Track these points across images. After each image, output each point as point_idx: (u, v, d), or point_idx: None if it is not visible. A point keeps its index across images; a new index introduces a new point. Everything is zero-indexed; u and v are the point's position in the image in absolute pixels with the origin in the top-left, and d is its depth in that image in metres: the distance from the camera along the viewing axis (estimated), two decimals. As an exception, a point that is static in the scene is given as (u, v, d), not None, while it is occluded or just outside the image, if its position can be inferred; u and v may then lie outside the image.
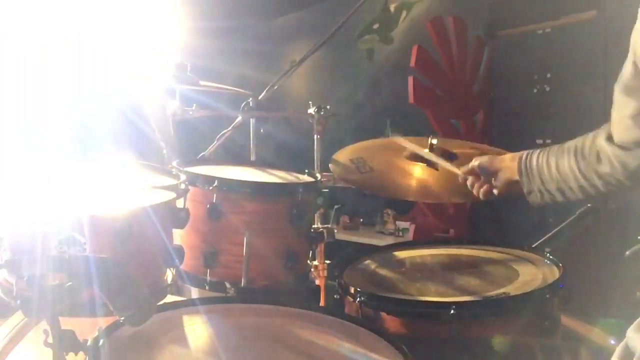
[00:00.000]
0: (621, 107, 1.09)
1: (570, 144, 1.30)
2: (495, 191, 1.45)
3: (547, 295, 1.39)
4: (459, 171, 1.55)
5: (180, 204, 1.34)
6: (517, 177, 1.35)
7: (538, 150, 1.34)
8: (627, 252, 1.96)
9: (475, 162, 1.49)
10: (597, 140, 1.20)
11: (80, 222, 1.06)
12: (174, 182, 1.37)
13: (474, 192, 1.51)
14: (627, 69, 1.07)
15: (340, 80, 5.53)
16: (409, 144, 1.76)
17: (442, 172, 1.70)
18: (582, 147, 1.25)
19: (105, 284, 0.89)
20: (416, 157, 1.76)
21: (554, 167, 1.28)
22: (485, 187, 1.48)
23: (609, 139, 1.15)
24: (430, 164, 1.73)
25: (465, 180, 1.53)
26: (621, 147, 1.12)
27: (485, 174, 1.46)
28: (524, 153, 1.36)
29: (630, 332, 1.06)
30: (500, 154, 1.82)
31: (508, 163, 1.40)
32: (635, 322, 1.06)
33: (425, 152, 1.72)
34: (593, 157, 1.20)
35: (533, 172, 1.32)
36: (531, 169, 1.32)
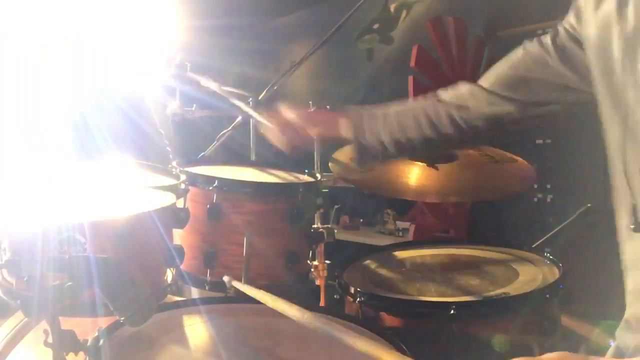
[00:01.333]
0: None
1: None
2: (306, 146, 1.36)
3: (547, 295, 1.39)
4: (266, 121, 1.43)
5: (180, 204, 1.34)
6: (337, 134, 1.30)
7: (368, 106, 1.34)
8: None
9: (290, 114, 1.35)
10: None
11: (80, 222, 1.06)
12: (174, 182, 1.37)
13: (278, 143, 1.37)
14: None
15: (340, 80, 5.53)
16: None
17: (442, 172, 1.70)
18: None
19: (105, 284, 0.89)
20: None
21: (393, 117, 1.28)
22: (295, 140, 1.34)
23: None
24: (430, 164, 1.73)
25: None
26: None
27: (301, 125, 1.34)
28: (352, 106, 1.35)
29: (619, 332, 1.06)
30: (500, 155, 1.83)
31: (328, 117, 1.35)
32: (622, 322, 1.06)
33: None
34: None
35: (364, 122, 1.29)
36: (362, 119, 1.30)
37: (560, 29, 1.15)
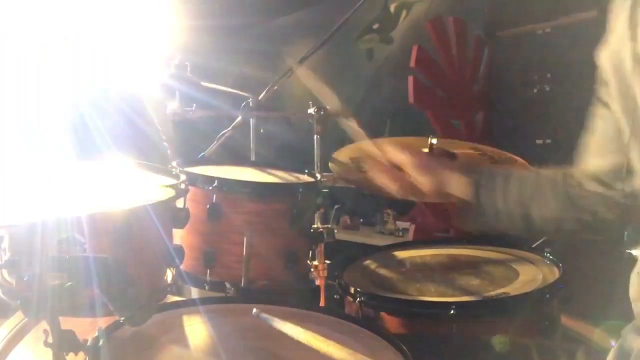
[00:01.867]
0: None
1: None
2: (398, 193, 1.21)
3: (547, 295, 1.39)
4: (379, 153, 1.27)
5: (180, 204, 1.34)
6: (451, 189, 1.16)
7: (501, 170, 1.18)
8: (628, 252, 1.95)
9: (404, 158, 1.19)
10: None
11: (80, 222, 1.06)
12: (174, 182, 1.37)
13: (387, 184, 1.23)
14: None
15: (340, 80, 5.53)
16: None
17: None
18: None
19: (105, 284, 0.89)
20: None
21: (517, 190, 1.11)
22: (403, 184, 1.20)
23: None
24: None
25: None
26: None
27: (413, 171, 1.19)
28: (483, 169, 1.19)
29: (626, 333, 1.06)
30: (500, 155, 1.83)
31: (451, 173, 1.18)
32: (632, 323, 1.06)
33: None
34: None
35: (495, 190, 1.11)
36: (491, 187, 1.12)
37: None
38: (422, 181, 1.18)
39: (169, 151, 2.67)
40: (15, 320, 1.38)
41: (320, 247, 1.70)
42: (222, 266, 1.47)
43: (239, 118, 1.99)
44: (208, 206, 1.45)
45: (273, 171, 1.76)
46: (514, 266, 1.62)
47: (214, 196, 1.45)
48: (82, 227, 1.09)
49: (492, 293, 1.43)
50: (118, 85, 2.72)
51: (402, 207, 4.48)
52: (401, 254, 1.81)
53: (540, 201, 1.10)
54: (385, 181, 1.22)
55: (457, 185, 1.16)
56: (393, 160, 1.22)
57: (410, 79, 3.59)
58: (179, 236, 1.46)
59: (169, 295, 1.35)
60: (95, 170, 1.45)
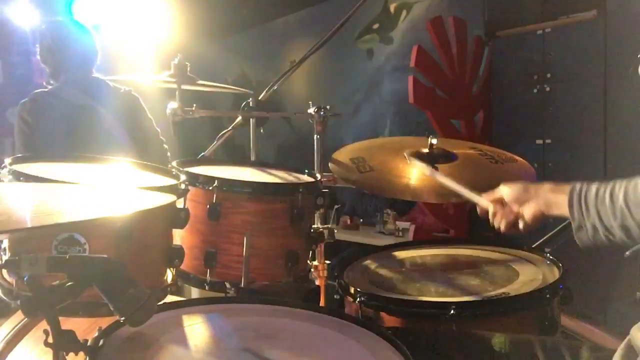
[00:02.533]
0: None
1: None
2: (520, 224, 1.26)
3: (547, 295, 1.39)
4: (483, 201, 1.36)
5: (180, 204, 1.34)
6: (555, 211, 1.18)
7: (596, 183, 1.15)
8: (627, 252, 1.95)
9: (504, 190, 1.30)
10: None
11: (80, 222, 1.06)
12: (174, 182, 1.37)
13: (495, 222, 1.31)
14: None
15: (340, 80, 5.53)
16: (445, 180, 1.58)
17: (441, 172, 1.69)
18: None
19: (105, 284, 0.89)
20: (417, 157, 1.76)
21: (622, 199, 1.08)
22: (510, 218, 1.28)
23: None
24: (430, 164, 1.72)
25: (486, 209, 1.33)
26: None
27: (514, 203, 1.28)
28: (577, 183, 1.16)
29: (635, 331, 1.06)
30: (500, 155, 1.83)
31: (547, 194, 1.21)
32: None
33: (455, 185, 1.54)
34: None
35: (589, 205, 1.12)
36: (587, 201, 1.12)
37: None
38: (527, 212, 1.25)
39: (168, 153, 2.68)
40: (15, 320, 1.38)
41: (320, 247, 1.70)
42: (222, 266, 1.47)
43: (239, 118, 1.99)
44: (208, 206, 1.45)
45: (273, 171, 1.76)
46: (514, 266, 1.62)
47: (214, 196, 1.45)
48: (82, 227, 1.09)
49: (492, 293, 1.43)
50: (118, 85, 2.72)
51: (402, 207, 4.49)
52: (401, 254, 1.81)
53: (636, 208, 1.08)
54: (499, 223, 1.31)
55: (557, 207, 1.19)
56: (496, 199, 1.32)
57: (410, 79, 3.59)
58: (179, 236, 1.46)
59: (169, 295, 1.35)
60: (96, 169, 1.45)
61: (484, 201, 1.36)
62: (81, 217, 0.90)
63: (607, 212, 1.10)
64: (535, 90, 3.72)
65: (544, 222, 1.24)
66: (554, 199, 1.19)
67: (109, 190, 1.22)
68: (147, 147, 2.65)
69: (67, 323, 0.93)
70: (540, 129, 3.68)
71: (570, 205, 1.14)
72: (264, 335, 1.15)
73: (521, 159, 1.85)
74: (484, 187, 1.76)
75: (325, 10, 5.37)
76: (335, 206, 4.37)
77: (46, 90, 2.64)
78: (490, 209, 1.33)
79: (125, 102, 2.70)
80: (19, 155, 1.37)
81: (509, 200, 1.29)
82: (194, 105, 1.97)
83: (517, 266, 1.61)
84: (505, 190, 1.30)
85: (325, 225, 1.69)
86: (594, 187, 1.14)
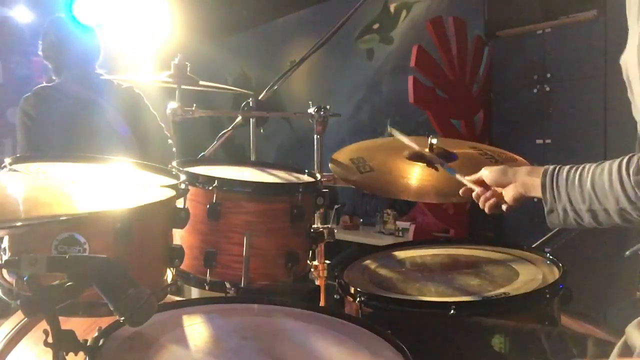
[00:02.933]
0: None
1: (614, 160, 1.09)
2: (503, 206, 1.32)
3: (547, 295, 1.39)
4: (464, 179, 1.44)
5: (180, 204, 1.34)
6: (532, 193, 1.22)
7: (568, 166, 1.18)
8: (627, 252, 1.95)
9: (484, 172, 1.36)
10: None
11: (80, 221, 1.06)
12: (174, 182, 1.37)
13: (479, 204, 1.38)
14: None
15: (340, 80, 5.53)
16: (407, 141, 1.74)
17: (442, 172, 1.70)
18: (628, 162, 1.05)
19: (105, 284, 0.89)
20: (416, 157, 1.76)
21: (589, 184, 1.11)
22: (492, 200, 1.35)
23: None
24: (429, 163, 1.73)
25: (470, 190, 1.41)
26: None
27: (495, 186, 1.34)
28: (550, 166, 1.20)
29: (630, 329, 1.06)
30: (500, 155, 1.83)
31: (524, 177, 1.26)
32: (636, 320, 1.06)
33: (425, 151, 1.71)
34: None
35: (560, 188, 1.15)
36: (558, 184, 1.16)
37: None
38: (507, 195, 1.30)
39: (174, 149, 2.67)
40: (15, 320, 1.38)
41: (320, 247, 1.70)
42: (222, 266, 1.47)
43: (239, 118, 1.99)
44: (208, 206, 1.45)
45: (273, 171, 1.76)
46: (514, 266, 1.62)
47: (214, 196, 1.45)
48: (82, 227, 1.09)
49: (492, 293, 1.43)
50: (119, 84, 2.72)
51: (402, 207, 4.49)
52: (401, 254, 1.81)
53: (602, 193, 1.10)
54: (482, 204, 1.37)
55: (534, 189, 1.23)
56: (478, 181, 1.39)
57: (410, 79, 3.59)
58: (179, 236, 1.46)
59: (169, 295, 1.35)
60: (96, 169, 1.45)
61: (468, 182, 1.42)
62: (81, 217, 0.90)
63: (576, 196, 1.13)
64: (535, 90, 3.73)
65: (524, 202, 1.28)
66: (530, 181, 1.24)
67: (109, 190, 1.22)
68: (149, 142, 2.65)
69: (67, 323, 0.93)
70: (540, 129, 3.68)
71: (543, 188, 1.18)
72: (263, 335, 1.15)
73: (521, 159, 1.85)
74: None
75: (325, 10, 5.37)
76: (335, 206, 4.37)
77: (49, 85, 2.66)
78: (475, 190, 1.39)
79: (127, 97, 2.71)
80: (19, 155, 1.37)
81: (490, 183, 1.35)
82: (194, 105, 1.97)
83: (517, 266, 1.61)
84: (485, 173, 1.36)
85: (325, 225, 1.69)
86: (565, 170, 1.17)
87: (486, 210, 1.37)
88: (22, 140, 2.54)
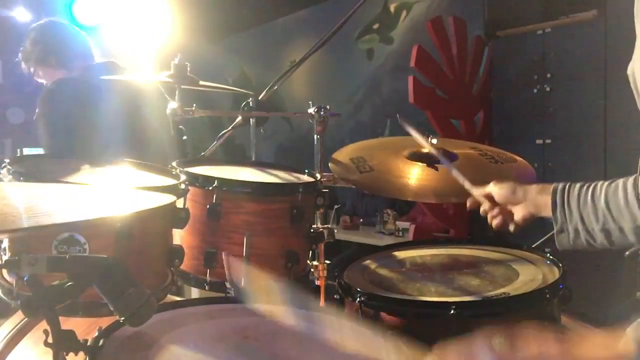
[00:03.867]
0: None
1: (627, 177, 1.07)
2: (511, 226, 1.28)
3: (547, 295, 1.39)
4: (472, 190, 1.38)
5: (180, 204, 1.34)
6: (544, 213, 1.18)
7: (579, 183, 1.14)
8: (627, 252, 1.95)
9: (494, 189, 1.31)
10: None
11: (80, 221, 1.06)
12: (174, 182, 1.37)
13: (488, 219, 1.34)
14: None
15: (340, 80, 5.54)
16: (415, 134, 1.68)
17: (442, 172, 1.70)
18: None
19: (105, 284, 0.89)
20: (416, 157, 1.76)
21: (603, 202, 1.07)
22: (499, 218, 1.30)
23: None
24: (429, 163, 1.73)
25: (477, 203, 1.36)
26: None
27: (504, 204, 1.30)
28: (560, 184, 1.16)
29: (630, 331, 1.06)
30: (500, 155, 1.83)
31: (534, 195, 1.22)
32: (637, 322, 1.06)
33: (432, 150, 1.66)
34: None
35: (572, 206, 1.11)
36: (570, 202, 1.11)
37: None
38: (517, 214, 1.26)
39: (168, 151, 2.67)
40: (15, 320, 1.38)
41: (320, 247, 1.70)
42: (222, 266, 1.47)
43: (239, 118, 1.99)
44: (208, 206, 1.45)
45: (273, 171, 1.76)
46: (514, 266, 1.62)
47: (214, 196, 1.45)
48: (82, 227, 1.09)
49: (492, 293, 1.43)
50: (119, 84, 2.72)
51: (402, 207, 4.49)
52: (401, 254, 1.81)
53: (617, 211, 1.07)
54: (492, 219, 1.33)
55: (545, 209, 1.19)
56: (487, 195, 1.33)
57: (410, 79, 3.59)
58: (179, 236, 1.46)
59: (169, 295, 1.35)
60: (96, 169, 1.45)
61: (478, 193, 1.37)
62: (81, 217, 0.90)
63: (589, 214, 1.09)
64: (535, 90, 3.73)
65: (533, 222, 1.25)
66: (542, 200, 1.19)
67: (109, 190, 1.22)
68: (150, 138, 2.65)
69: (67, 323, 0.93)
70: (540, 129, 3.69)
71: (554, 206, 1.14)
72: (263, 335, 1.15)
73: (521, 159, 1.85)
74: (484, 187, 1.75)
75: (325, 10, 5.37)
76: (335, 206, 4.37)
77: (51, 85, 2.67)
78: (483, 204, 1.34)
79: (129, 90, 2.72)
80: (19, 155, 1.37)
81: (499, 200, 1.31)
82: (194, 105, 1.97)
83: (517, 266, 1.61)
84: (495, 190, 1.31)
85: (325, 225, 1.69)
86: (576, 188, 1.13)
87: (493, 226, 1.32)
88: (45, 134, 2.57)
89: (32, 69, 2.72)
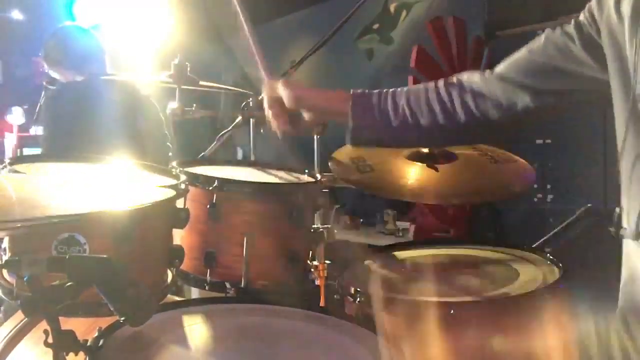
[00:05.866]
0: None
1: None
2: (290, 127, 1.34)
3: (547, 295, 1.39)
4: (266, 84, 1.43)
5: (180, 204, 1.34)
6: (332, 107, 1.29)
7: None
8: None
9: (283, 92, 1.35)
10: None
11: (80, 222, 1.06)
12: (174, 182, 1.37)
13: (273, 124, 1.38)
14: None
15: (340, 80, 5.53)
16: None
17: (442, 172, 1.70)
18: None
19: (105, 284, 0.89)
20: (417, 157, 1.76)
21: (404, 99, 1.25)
22: (282, 119, 1.35)
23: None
24: (429, 163, 1.73)
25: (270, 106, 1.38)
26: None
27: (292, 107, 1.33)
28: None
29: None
30: (500, 155, 1.83)
31: (332, 97, 1.32)
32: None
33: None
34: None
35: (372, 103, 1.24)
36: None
37: (582, 17, 1.14)
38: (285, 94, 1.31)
39: (170, 153, 2.69)
40: (15, 320, 1.38)
41: (320, 247, 1.70)
42: (222, 266, 1.47)
43: (239, 118, 1.99)
44: (208, 206, 1.45)
45: (273, 171, 1.76)
46: (514, 266, 1.62)
47: (214, 196, 1.45)
48: (82, 227, 1.09)
49: (492, 293, 1.43)
50: (119, 84, 2.72)
51: (402, 207, 4.48)
52: (401, 254, 1.81)
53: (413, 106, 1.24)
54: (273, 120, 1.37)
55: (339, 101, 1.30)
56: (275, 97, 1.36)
57: (410, 79, 3.59)
58: (179, 236, 1.46)
59: (169, 295, 1.35)
60: (96, 169, 1.45)
61: (271, 93, 1.40)
62: (81, 217, 0.90)
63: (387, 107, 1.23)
64: (535, 90, 3.72)
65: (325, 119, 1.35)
66: (334, 96, 1.33)
67: (109, 190, 1.22)
68: (148, 139, 2.67)
69: (67, 323, 0.93)
70: (540, 129, 3.68)
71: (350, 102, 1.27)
72: (263, 336, 1.15)
73: (521, 159, 1.85)
74: (484, 187, 1.76)
75: (325, 10, 5.36)
76: (335, 206, 4.37)
77: (51, 86, 2.71)
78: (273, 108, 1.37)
79: (127, 90, 2.74)
80: (19, 155, 1.37)
81: (289, 105, 1.35)
82: (194, 105, 1.97)
83: (517, 266, 1.61)
84: (285, 93, 1.35)
85: (325, 225, 1.69)
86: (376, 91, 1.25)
87: (279, 133, 1.37)
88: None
89: (48, 69, 2.81)
